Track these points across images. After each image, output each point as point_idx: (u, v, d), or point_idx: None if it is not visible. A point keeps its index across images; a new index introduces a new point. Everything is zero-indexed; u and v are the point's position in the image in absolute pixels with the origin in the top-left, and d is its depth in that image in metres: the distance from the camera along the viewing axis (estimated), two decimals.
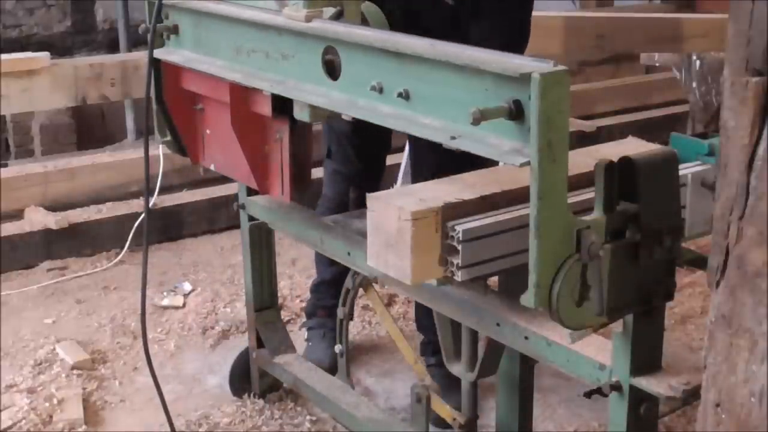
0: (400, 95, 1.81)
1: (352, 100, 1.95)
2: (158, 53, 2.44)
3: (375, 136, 2.96)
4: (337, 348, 2.67)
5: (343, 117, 2.07)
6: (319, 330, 3.23)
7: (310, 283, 3.36)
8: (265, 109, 2.30)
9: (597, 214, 1.69)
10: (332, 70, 2.00)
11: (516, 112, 1.59)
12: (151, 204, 4.30)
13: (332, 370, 2.83)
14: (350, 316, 3.30)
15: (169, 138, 2.62)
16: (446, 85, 1.72)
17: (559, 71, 1.55)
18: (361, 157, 3.02)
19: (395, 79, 1.83)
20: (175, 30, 2.43)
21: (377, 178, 3.06)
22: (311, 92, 2.05)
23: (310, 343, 3.24)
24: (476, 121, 1.58)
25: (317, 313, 3.26)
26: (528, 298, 1.64)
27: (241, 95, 2.33)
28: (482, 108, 1.58)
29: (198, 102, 2.54)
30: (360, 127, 2.94)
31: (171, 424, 2.54)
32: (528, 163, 1.57)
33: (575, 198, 1.99)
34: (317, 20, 2.04)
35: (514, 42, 2.75)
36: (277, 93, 2.17)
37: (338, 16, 2.08)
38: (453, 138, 1.69)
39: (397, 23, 2.68)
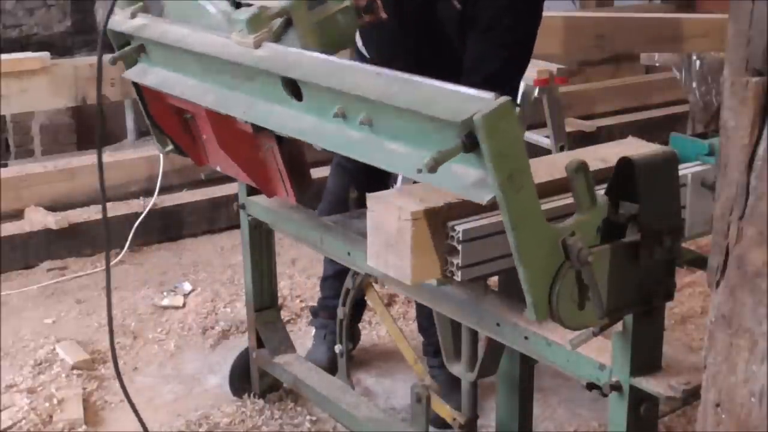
0: (362, 123, 1.78)
1: (320, 124, 1.92)
2: (131, 74, 2.41)
3: None
4: (337, 348, 2.67)
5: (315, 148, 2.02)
6: (321, 331, 3.23)
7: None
8: (246, 127, 2.27)
9: (579, 216, 1.68)
10: (296, 89, 1.96)
11: (470, 145, 1.55)
12: (151, 204, 4.31)
13: (329, 372, 2.83)
14: (358, 318, 3.29)
15: (171, 147, 2.61)
16: (401, 119, 1.71)
17: (502, 105, 1.50)
18: None
19: (354, 105, 1.80)
20: (142, 49, 2.37)
21: (380, 177, 3.01)
22: (281, 115, 2.01)
23: (313, 342, 3.25)
24: (432, 169, 1.55)
25: (320, 314, 3.26)
26: (529, 314, 1.65)
27: (220, 114, 2.28)
28: (435, 155, 1.55)
29: (186, 111, 2.51)
30: None
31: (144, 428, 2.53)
32: (494, 198, 1.56)
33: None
34: (267, 43, 1.99)
35: (508, 57, 2.70)
36: (249, 120, 2.13)
37: (287, 25, 2.03)
38: (419, 171, 1.64)
39: (414, 13, 2.67)
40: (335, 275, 3.07)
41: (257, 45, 1.98)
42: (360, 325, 3.46)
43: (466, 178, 1.62)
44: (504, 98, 1.51)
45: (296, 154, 2.34)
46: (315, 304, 3.37)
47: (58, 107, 4.77)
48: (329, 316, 3.14)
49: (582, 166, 1.65)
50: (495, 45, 2.60)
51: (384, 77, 1.73)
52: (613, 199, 1.81)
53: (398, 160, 1.74)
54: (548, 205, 1.96)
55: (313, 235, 2.53)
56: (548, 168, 2.12)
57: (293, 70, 1.90)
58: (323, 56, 1.91)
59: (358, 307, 3.09)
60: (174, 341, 3.45)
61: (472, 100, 1.55)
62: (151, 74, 2.38)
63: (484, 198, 1.57)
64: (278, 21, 2.01)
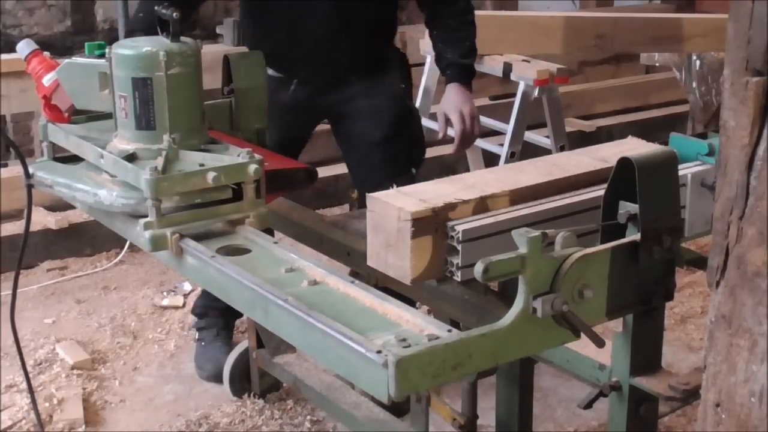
0: None
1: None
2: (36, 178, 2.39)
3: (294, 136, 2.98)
4: None
5: None
6: (212, 330, 3.25)
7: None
8: None
9: (523, 278, 1.59)
10: None
11: None
12: None
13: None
14: None
15: None
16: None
17: (399, 364, 1.46)
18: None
19: None
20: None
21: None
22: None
23: (203, 343, 3.25)
24: None
25: (209, 313, 3.26)
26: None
27: None
28: None
29: None
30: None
31: None
32: None
33: (576, 198, 1.99)
34: (186, 249, 1.98)
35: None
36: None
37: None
38: None
39: None
40: None
41: (178, 252, 1.99)
42: None
43: None
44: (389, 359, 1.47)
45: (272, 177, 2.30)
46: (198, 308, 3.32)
47: None
48: (220, 314, 3.21)
49: (485, 268, 1.55)
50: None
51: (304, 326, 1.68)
52: (612, 199, 1.81)
53: None
54: (547, 205, 1.97)
55: (313, 235, 2.53)
56: (548, 168, 2.13)
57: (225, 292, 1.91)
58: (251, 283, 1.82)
59: None
60: (174, 341, 3.44)
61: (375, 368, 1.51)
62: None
63: None
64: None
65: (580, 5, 6.54)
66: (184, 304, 3.70)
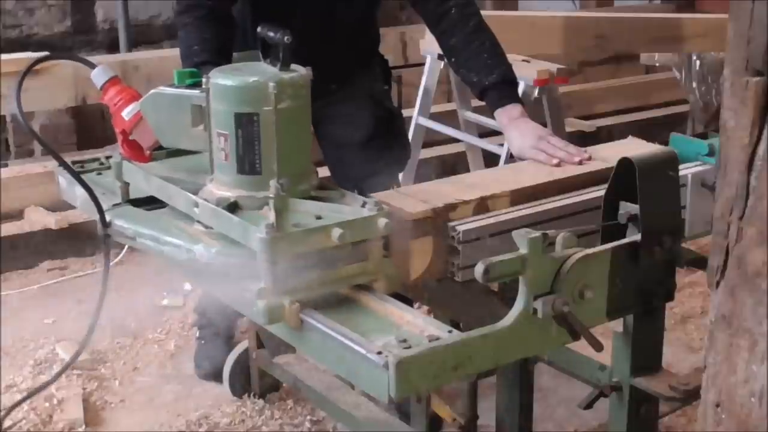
0: None
1: None
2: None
3: None
4: None
5: None
6: (212, 328, 3.24)
7: None
8: None
9: (523, 280, 1.61)
10: None
11: None
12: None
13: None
14: None
15: None
16: None
17: (399, 366, 1.48)
18: None
19: None
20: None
21: None
22: None
23: (203, 342, 3.25)
24: None
25: (210, 311, 3.23)
26: None
27: None
28: None
29: None
30: None
31: None
32: None
33: (576, 198, 2.00)
34: (306, 319, 1.73)
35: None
36: None
37: None
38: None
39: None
40: None
41: (297, 325, 1.72)
42: None
43: None
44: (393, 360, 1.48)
45: None
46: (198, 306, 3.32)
47: (58, 107, 4.76)
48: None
49: (486, 269, 1.55)
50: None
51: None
52: (613, 199, 1.81)
53: None
54: (548, 206, 1.97)
55: None
56: (548, 168, 2.13)
57: None
58: None
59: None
60: (174, 341, 3.44)
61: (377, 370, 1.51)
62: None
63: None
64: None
65: (580, 5, 6.54)
66: (184, 304, 3.70)
